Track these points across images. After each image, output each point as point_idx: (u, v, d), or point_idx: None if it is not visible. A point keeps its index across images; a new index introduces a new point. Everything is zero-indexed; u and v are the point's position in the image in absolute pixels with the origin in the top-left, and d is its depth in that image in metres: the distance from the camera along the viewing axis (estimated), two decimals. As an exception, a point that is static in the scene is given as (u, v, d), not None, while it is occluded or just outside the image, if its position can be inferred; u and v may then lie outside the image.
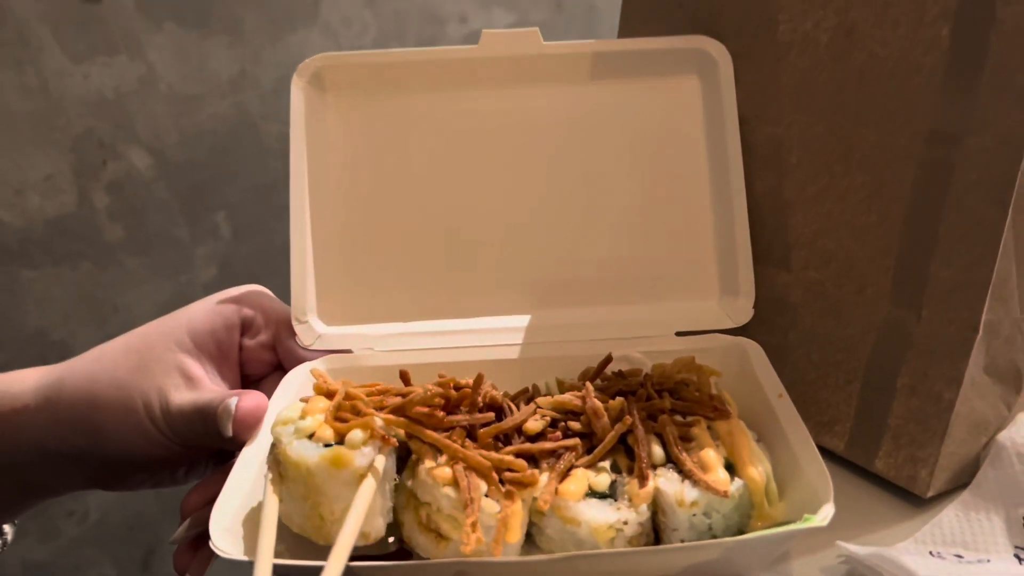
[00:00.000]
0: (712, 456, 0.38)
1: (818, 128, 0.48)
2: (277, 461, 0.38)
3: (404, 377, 0.44)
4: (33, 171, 0.84)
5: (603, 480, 0.39)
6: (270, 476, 0.38)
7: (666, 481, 0.38)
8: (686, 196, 0.52)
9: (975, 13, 0.41)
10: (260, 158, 0.96)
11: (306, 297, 0.50)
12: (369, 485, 0.36)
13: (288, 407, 0.40)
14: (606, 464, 0.40)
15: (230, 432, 0.40)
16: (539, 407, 0.42)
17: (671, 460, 0.39)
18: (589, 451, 0.40)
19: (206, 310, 0.47)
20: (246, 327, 0.49)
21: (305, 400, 0.41)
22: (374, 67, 0.52)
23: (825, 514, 0.35)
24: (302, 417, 0.39)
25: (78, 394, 0.43)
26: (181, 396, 0.42)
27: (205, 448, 0.45)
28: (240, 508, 0.38)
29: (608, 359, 0.46)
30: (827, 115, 0.48)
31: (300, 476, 0.36)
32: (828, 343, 0.48)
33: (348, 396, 0.40)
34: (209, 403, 0.41)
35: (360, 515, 0.35)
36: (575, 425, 0.41)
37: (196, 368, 0.44)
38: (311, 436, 0.37)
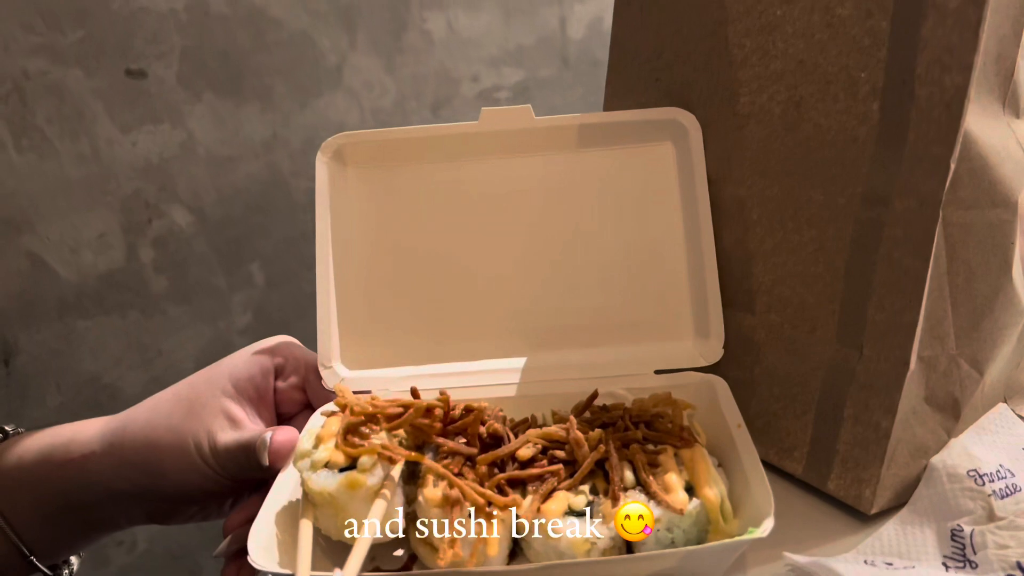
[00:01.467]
0: (674, 479, 0.45)
1: (774, 189, 0.55)
2: (305, 492, 0.45)
3: (414, 393, 0.52)
4: (87, 230, 0.92)
5: (581, 500, 0.45)
6: (303, 502, 0.45)
7: (637, 499, 0.44)
8: (663, 249, 0.59)
9: (898, 91, 0.48)
10: (290, 212, 1.04)
11: (331, 346, 0.57)
12: (380, 503, 0.43)
13: (303, 439, 0.47)
14: (585, 487, 0.46)
15: (267, 462, 0.47)
16: (530, 438, 0.49)
17: (640, 483, 0.45)
18: (572, 475, 0.47)
19: (244, 359, 0.54)
20: (279, 372, 0.56)
21: (327, 414, 0.50)
22: (387, 143, 0.59)
23: (766, 527, 0.41)
24: (315, 446, 0.46)
25: (139, 439, 0.50)
26: (226, 435, 0.49)
27: (249, 480, 0.51)
28: (275, 527, 0.45)
29: (594, 395, 0.53)
30: (781, 178, 0.54)
31: (325, 500, 0.44)
32: (787, 378, 0.55)
33: (351, 422, 0.47)
34: (250, 440, 0.48)
35: (374, 526, 0.42)
36: (559, 453, 0.48)
37: (238, 411, 0.51)
38: (326, 464, 0.45)
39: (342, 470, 0.44)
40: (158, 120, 0.93)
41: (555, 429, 0.49)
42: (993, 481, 0.46)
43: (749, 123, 0.56)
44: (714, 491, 0.44)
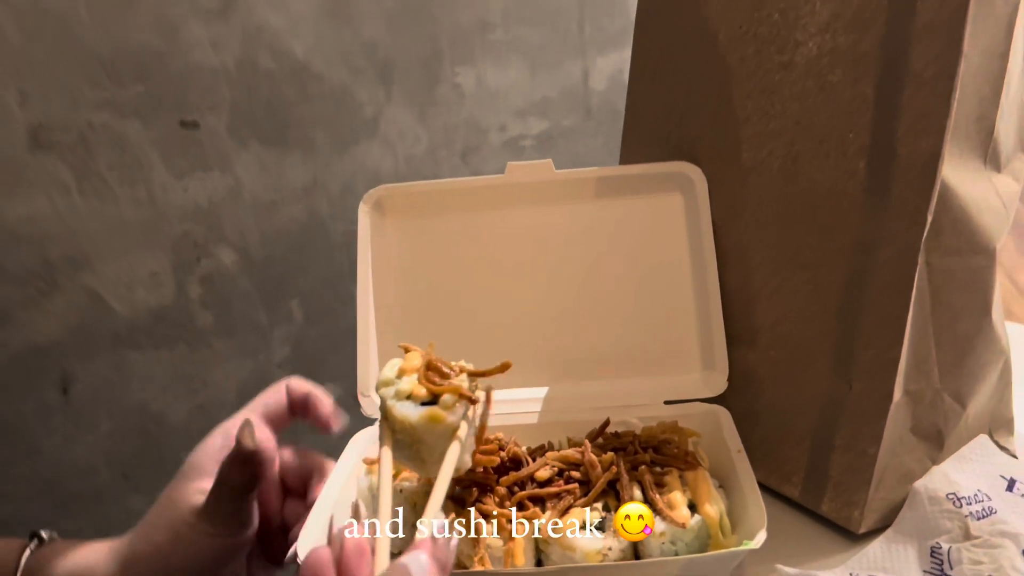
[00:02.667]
0: (678, 497, 0.50)
1: (773, 235, 0.60)
2: (386, 417, 0.47)
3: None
4: (140, 269, 0.99)
5: (595, 516, 0.50)
6: (381, 429, 0.47)
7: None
8: (672, 290, 0.64)
9: (882, 150, 0.53)
10: (328, 253, 1.11)
11: (369, 375, 0.63)
12: (455, 447, 0.45)
13: (386, 367, 0.49)
14: (599, 504, 0.51)
15: (252, 442, 0.47)
16: (548, 460, 0.54)
17: (647, 501, 0.51)
18: (586, 494, 0.52)
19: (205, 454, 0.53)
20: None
21: (405, 348, 0.51)
22: (422, 194, 0.65)
23: (759, 539, 0.45)
24: (399, 376, 0.48)
25: (147, 550, 0.50)
26: (203, 484, 0.50)
27: (244, 534, 0.51)
28: (324, 531, 0.50)
29: (606, 423, 0.58)
30: (779, 225, 0.60)
31: (404, 430, 0.46)
32: (785, 410, 0.59)
33: (432, 360, 0.49)
34: (232, 452, 0.48)
35: (453, 460, 0.45)
36: (575, 474, 0.53)
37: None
38: (408, 396, 0.46)
39: (423, 404, 0.46)
40: (208, 167, 1.00)
41: (571, 452, 0.54)
42: (971, 504, 0.50)
43: (751, 176, 0.62)
44: (714, 508, 0.49)
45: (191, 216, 1.01)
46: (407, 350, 0.50)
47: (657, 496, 0.50)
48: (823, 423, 0.57)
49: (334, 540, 0.38)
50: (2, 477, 0.99)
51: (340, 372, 1.14)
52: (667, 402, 0.62)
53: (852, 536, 0.55)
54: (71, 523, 1.02)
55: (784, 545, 0.52)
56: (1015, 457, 0.59)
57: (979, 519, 0.50)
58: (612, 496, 0.52)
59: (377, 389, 0.48)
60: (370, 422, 0.62)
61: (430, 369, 0.48)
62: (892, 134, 0.53)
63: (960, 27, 0.49)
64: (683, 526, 0.48)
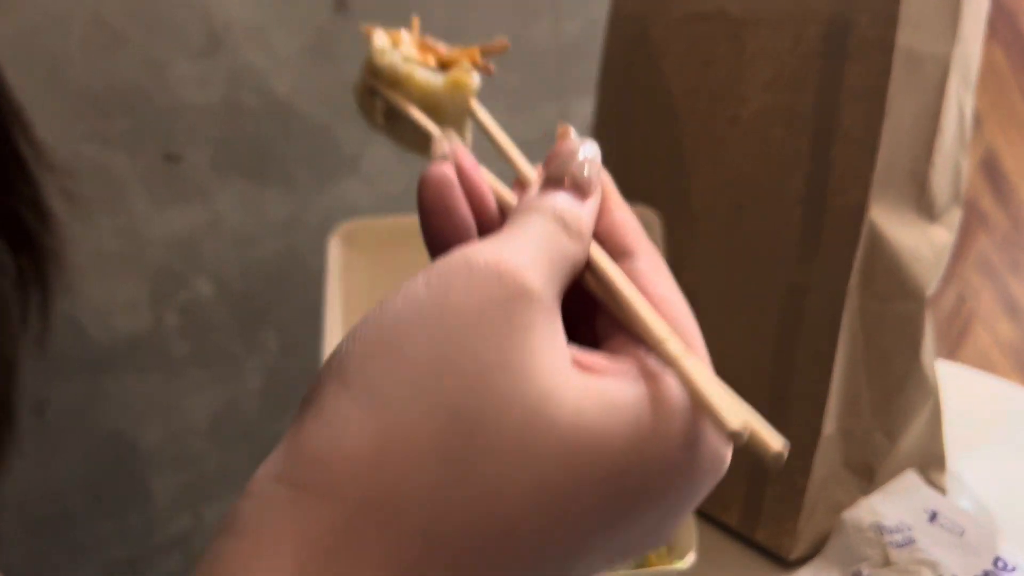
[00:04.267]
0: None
1: (719, 278, 0.64)
2: (393, 85, 0.38)
3: None
4: (120, 297, 1.02)
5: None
6: (383, 101, 0.39)
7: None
8: (625, 328, 0.68)
9: (816, 201, 0.57)
10: (305, 286, 1.14)
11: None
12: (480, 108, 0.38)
13: (376, 37, 0.39)
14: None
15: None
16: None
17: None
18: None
19: None
20: None
21: (368, 31, 0.40)
22: (391, 229, 0.69)
23: (688, 560, 0.48)
24: (394, 46, 0.39)
25: None
26: None
27: None
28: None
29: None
30: (724, 269, 0.64)
31: (427, 97, 0.38)
32: (727, 443, 0.63)
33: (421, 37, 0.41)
34: None
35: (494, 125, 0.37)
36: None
37: None
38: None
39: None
40: (190, 200, 1.04)
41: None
42: (892, 533, 0.54)
43: (700, 222, 0.66)
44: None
45: (172, 247, 1.04)
46: (370, 32, 0.40)
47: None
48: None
49: (448, 156, 0.31)
50: (-26, 499, 1.00)
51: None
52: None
53: (784, 563, 0.58)
54: (40, 544, 1.03)
55: (721, 570, 0.55)
56: (944, 492, 0.62)
57: (899, 547, 0.53)
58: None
59: (374, 60, 0.38)
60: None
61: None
62: (824, 187, 0.57)
63: (883, 92, 0.54)
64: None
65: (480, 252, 0.24)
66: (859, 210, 0.55)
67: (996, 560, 0.53)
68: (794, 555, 0.57)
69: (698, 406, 0.24)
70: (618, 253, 0.29)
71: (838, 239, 0.56)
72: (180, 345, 1.07)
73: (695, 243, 0.66)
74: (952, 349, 1.89)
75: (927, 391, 0.62)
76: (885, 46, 0.54)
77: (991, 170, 1.80)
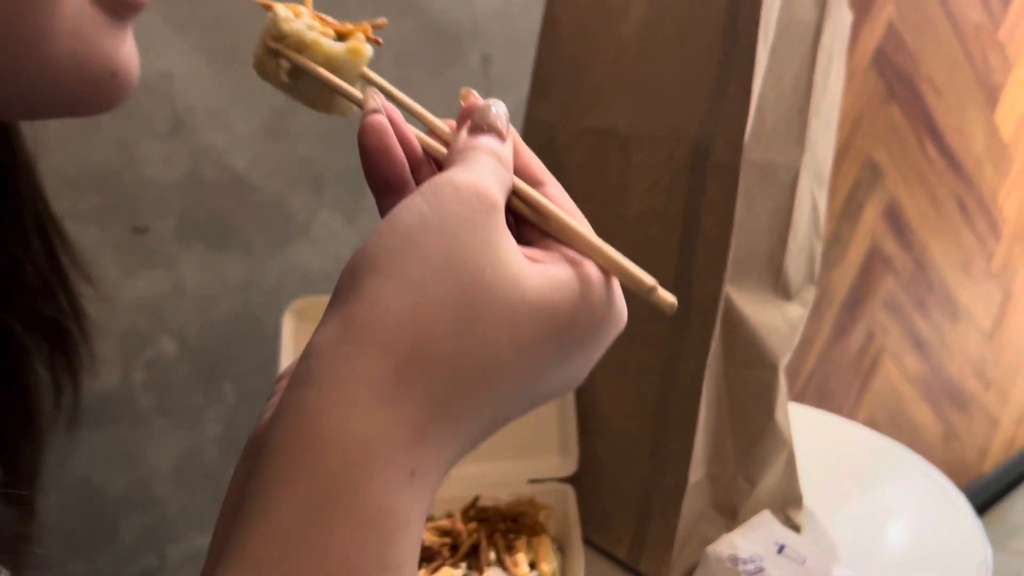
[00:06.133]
0: (521, 558, 0.64)
1: (613, 349, 0.76)
2: (299, 49, 0.40)
3: None
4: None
5: (460, 572, 0.65)
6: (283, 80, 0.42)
7: (496, 572, 0.64)
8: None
9: (683, 289, 0.70)
10: (260, 341, 1.24)
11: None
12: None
13: (279, 7, 0.42)
14: (463, 564, 0.66)
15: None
16: (426, 528, 0.68)
17: (499, 561, 0.65)
18: (454, 555, 0.66)
19: None
20: None
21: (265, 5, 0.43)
22: (336, 307, 0.80)
23: (578, 588, 0.60)
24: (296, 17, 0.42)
25: None
26: None
27: None
28: None
29: (476, 499, 0.73)
30: (616, 342, 0.76)
31: (329, 62, 0.40)
32: (618, 486, 0.75)
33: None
34: None
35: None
36: (446, 539, 0.68)
37: None
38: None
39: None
40: (155, 267, 1.14)
41: (444, 522, 0.69)
42: (746, 563, 0.66)
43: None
44: (548, 566, 0.64)
45: (138, 309, 1.14)
46: (270, 5, 0.43)
47: (507, 557, 0.65)
48: (643, 498, 0.72)
49: (379, 108, 0.37)
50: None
51: (268, 449, 1.27)
52: (530, 480, 0.77)
53: (662, 589, 0.70)
54: (14, 587, 1.12)
55: (610, 595, 0.67)
56: (798, 529, 0.75)
57: (751, 575, 0.65)
58: (475, 556, 0.67)
59: (280, 26, 0.41)
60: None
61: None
62: (690, 277, 0.70)
63: (731, 205, 0.67)
64: (522, 579, 0.62)
65: (459, 176, 0.33)
66: (715, 297, 0.68)
67: (831, 582, 0.66)
68: (669, 581, 0.69)
69: (620, 274, 0.36)
70: (534, 182, 0.38)
71: (701, 320, 0.69)
72: (145, 398, 1.17)
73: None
74: (864, 382, 2.04)
75: (782, 443, 0.75)
76: (734, 169, 0.67)
77: (894, 218, 1.97)
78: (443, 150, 0.38)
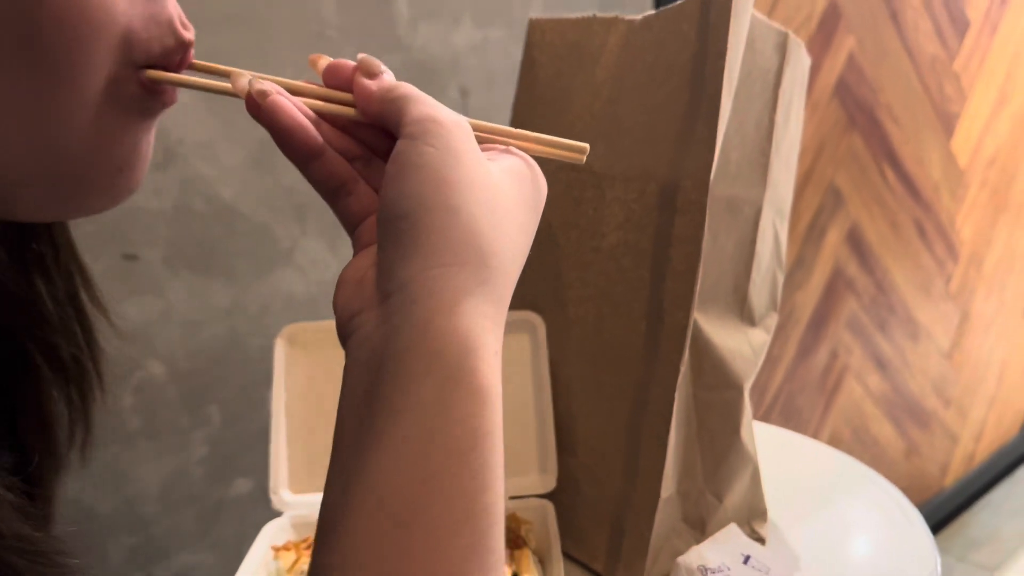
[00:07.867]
0: (505, 570, 0.69)
1: (587, 373, 0.81)
2: None
3: None
4: (80, 380, 1.15)
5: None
6: None
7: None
8: (519, 411, 0.84)
9: (655, 316, 0.75)
10: (245, 365, 1.28)
11: (279, 477, 0.81)
12: None
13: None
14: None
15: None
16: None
17: (484, 572, 0.69)
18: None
19: None
20: None
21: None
22: (328, 331, 0.84)
23: (558, 598, 0.65)
24: None
25: None
26: None
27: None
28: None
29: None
30: (591, 366, 0.81)
31: None
32: (596, 505, 0.80)
33: None
34: None
35: None
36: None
37: None
38: None
39: None
40: (144, 293, 1.17)
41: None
42: (715, 573, 0.71)
43: (574, 327, 0.83)
44: (531, 577, 0.69)
45: (127, 335, 1.17)
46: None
47: (491, 569, 0.69)
48: (617, 514, 0.77)
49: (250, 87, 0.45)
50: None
51: (252, 469, 1.31)
52: (511, 497, 0.81)
53: (636, 598, 0.74)
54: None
55: (588, 605, 0.71)
56: (763, 541, 0.80)
57: (719, 583, 0.70)
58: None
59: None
60: (278, 514, 0.79)
61: None
62: (661, 306, 0.75)
63: (698, 238, 0.72)
64: (505, 589, 0.67)
65: (441, 113, 0.40)
66: (684, 324, 0.73)
67: (793, 589, 0.71)
68: (642, 592, 0.74)
69: (557, 147, 0.46)
70: None
71: (671, 346, 0.74)
72: (133, 421, 1.20)
73: (570, 343, 0.83)
74: (828, 400, 2.11)
75: (747, 459, 0.80)
76: (700, 206, 0.72)
77: (856, 242, 2.04)
78: (334, 108, 0.45)
